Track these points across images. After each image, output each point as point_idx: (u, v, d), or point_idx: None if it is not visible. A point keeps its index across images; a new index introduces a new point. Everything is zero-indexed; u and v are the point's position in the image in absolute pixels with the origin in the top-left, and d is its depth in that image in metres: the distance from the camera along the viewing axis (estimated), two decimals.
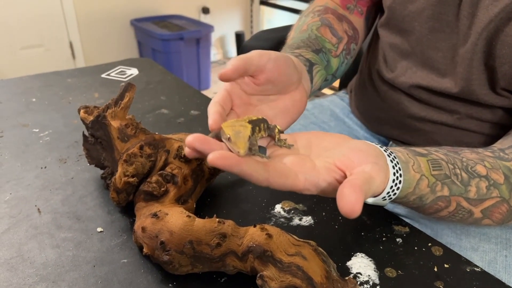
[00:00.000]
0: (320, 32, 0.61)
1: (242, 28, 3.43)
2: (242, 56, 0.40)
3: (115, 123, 0.48)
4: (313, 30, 0.62)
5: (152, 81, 0.89)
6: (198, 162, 0.48)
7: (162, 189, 0.45)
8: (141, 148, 0.47)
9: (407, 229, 0.48)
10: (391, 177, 0.37)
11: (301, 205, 0.51)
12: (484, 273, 0.42)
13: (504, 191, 0.45)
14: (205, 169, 0.49)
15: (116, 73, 0.92)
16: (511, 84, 0.53)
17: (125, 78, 0.90)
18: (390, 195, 0.38)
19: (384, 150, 0.38)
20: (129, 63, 0.98)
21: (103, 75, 0.91)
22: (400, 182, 0.38)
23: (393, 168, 0.37)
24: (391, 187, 0.37)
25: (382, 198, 0.38)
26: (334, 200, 0.52)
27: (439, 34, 0.58)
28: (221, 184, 0.55)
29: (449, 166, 0.43)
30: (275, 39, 0.91)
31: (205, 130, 0.69)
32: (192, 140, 0.31)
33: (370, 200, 0.38)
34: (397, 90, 0.67)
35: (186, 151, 0.33)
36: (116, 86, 0.85)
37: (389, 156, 0.38)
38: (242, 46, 0.95)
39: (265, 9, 3.28)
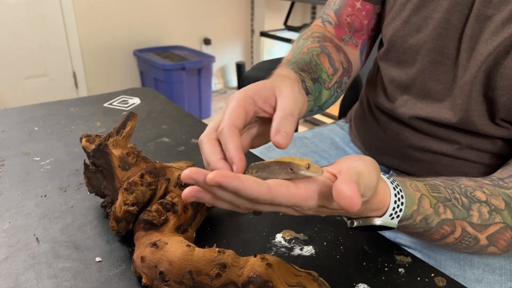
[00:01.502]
0: (320, 59, 0.61)
1: (243, 59, 3.49)
2: (285, 115, 0.39)
3: (116, 152, 0.49)
4: (314, 56, 0.61)
5: (154, 110, 0.90)
6: None
7: (162, 218, 0.45)
8: (141, 176, 0.47)
9: (409, 259, 0.47)
10: (392, 191, 0.37)
11: (302, 234, 0.51)
12: None
13: (506, 217, 0.44)
14: None
15: (118, 102, 0.93)
16: (510, 115, 0.53)
17: (127, 107, 0.91)
18: (396, 212, 0.38)
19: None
20: (131, 92, 1.00)
21: (106, 104, 0.92)
22: (402, 197, 0.38)
23: (392, 183, 0.38)
24: (395, 201, 0.37)
25: (390, 216, 0.38)
26: (335, 229, 0.52)
27: (440, 66, 0.59)
28: (221, 213, 0.54)
29: (447, 191, 0.43)
30: (274, 69, 0.93)
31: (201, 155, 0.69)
32: (188, 174, 0.30)
33: (379, 222, 0.38)
34: (397, 121, 0.68)
35: (185, 194, 0.32)
36: (118, 115, 0.86)
37: (384, 175, 0.38)
38: (243, 76, 0.97)
39: (265, 40, 3.35)
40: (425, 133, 0.64)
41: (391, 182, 0.38)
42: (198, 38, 3.19)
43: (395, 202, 0.38)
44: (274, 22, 3.32)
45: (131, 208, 0.45)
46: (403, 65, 0.64)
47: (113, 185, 0.49)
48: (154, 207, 0.45)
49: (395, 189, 0.38)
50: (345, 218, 0.42)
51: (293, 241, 0.50)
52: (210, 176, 0.29)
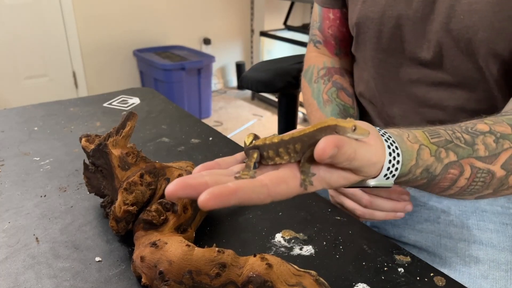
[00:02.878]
0: (340, 98, 0.69)
1: (243, 58, 3.49)
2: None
3: (116, 152, 0.49)
4: (336, 99, 0.69)
5: (154, 110, 0.90)
6: None
7: (162, 217, 0.45)
8: (141, 176, 0.47)
9: (408, 259, 0.47)
10: (386, 150, 0.36)
11: (301, 234, 0.51)
12: None
13: None
14: None
15: (118, 102, 0.93)
16: (492, 51, 0.54)
17: (127, 107, 0.91)
18: (391, 172, 0.36)
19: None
20: (131, 92, 1.00)
21: (105, 104, 0.92)
22: (398, 155, 0.37)
23: (386, 141, 0.36)
24: (390, 161, 0.36)
25: (384, 176, 0.36)
26: (335, 228, 0.52)
27: (407, 28, 0.61)
28: (220, 213, 0.55)
29: (447, 132, 0.41)
30: (274, 70, 0.93)
31: (205, 158, 0.69)
32: (173, 190, 0.29)
33: (373, 182, 0.36)
34: (383, 113, 0.70)
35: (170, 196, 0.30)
36: (118, 115, 0.86)
37: (379, 131, 0.37)
38: (241, 76, 0.97)
39: (265, 40, 3.35)
40: (420, 101, 0.63)
41: (386, 139, 0.36)
42: (198, 38, 3.19)
43: (390, 161, 0.36)
44: (274, 22, 3.33)
45: (131, 208, 0.45)
46: (373, 41, 0.65)
47: (112, 185, 0.49)
48: (153, 207, 0.45)
49: (390, 147, 0.36)
50: None
51: (293, 240, 0.50)
52: (202, 197, 0.28)
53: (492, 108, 0.56)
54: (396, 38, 0.62)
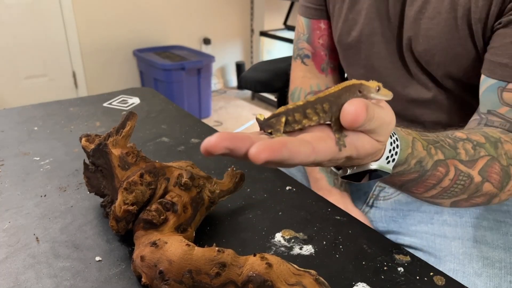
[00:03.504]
0: None
1: (243, 58, 3.49)
2: None
3: (116, 151, 0.49)
4: None
5: (153, 110, 0.90)
6: (198, 190, 0.48)
7: (162, 217, 0.45)
8: (141, 176, 0.47)
9: (408, 258, 0.47)
10: None
11: (301, 233, 0.51)
12: None
13: (489, 149, 0.46)
14: (205, 197, 0.49)
15: (118, 102, 0.93)
16: (448, 73, 0.58)
17: (127, 107, 0.91)
18: (392, 155, 0.37)
19: None
20: (131, 92, 1.00)
21: (105, 104, 0.92)
22: (397, 139, 0.38)
23: None
24: (391, 143, 0.37)
25: (386, 159, 0.37)
26: (335, 228, 0.52)
27: (382, 46, 0.64)
28: (220, 213, 0.55)
29: (432, 135, 0.44)
30: (273, 71, 0.93)
31: (205, 158, 0.69)
32: (216, 141, 0.26)
33: (374, 165, 0.36)
34: None
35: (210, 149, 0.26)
36: (118, 115, 0.86)
37: None
38: (241, 76, 0.97)
39: (265, 40, 3.35)
40: (400, 116, 0.66)
41: None
42: (197, 38, 3.19)
43: (391, 144, 0.37)
44: (273, 22, 3.33)
45: (131, 207, 0.45)
46: (354, 58, 0.69)
47: (112, 184, 0.49)
48: (153, 206, 0.46)
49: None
50: (334, 169, 0.40)
51: (293, 240, 0.50)
52: (254, 150, 0.25)
53: (465, 122, 0.59)
54: (373, 55, 0.66)
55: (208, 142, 0.26)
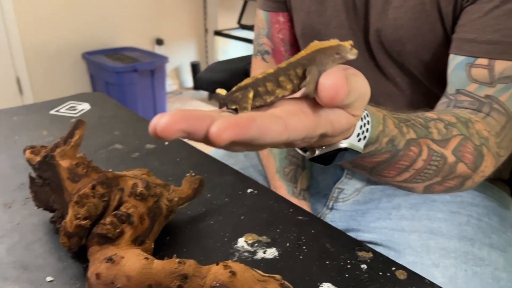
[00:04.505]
0: None
1: (198, 58, 3.45)
2: None
3: (64, 163, 0.46)
4: None
5: (105, 116, 0.86)
6: (155, 199, 0.46)
7: (117, 230, 0.43)
8: (93, 188, 0.44)
9: (371, 255, 0.48)
10: None
11: (264, 237, 0.50)
12: None
13: (461, 129, 0.45)
14: (163, 206, 0.47)
15: (66, 109, 0.89)
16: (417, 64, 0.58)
17: (76, 114, 0.87)
18: (363, 132, 0.35)
19: None
20: (80, 98, 0.95)
21: (52, 112, 0.87)
22: (368, 115, 0.35)
23: None
24: (361, 119, 0.34)
25: (357, 136, 0.34)
26: (297, 228, 0.51)
27: (349, 38, 0.63)
28: (180, 221, 0.53)
29: (402, 114, 0.42)
30: (230, 70, 0.92)
31: (161, 164, 0.67)
32: (170, 122, 0.22)
33: (345, 144, 0.34)
34: None
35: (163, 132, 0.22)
36: (66, 123, 0.82)
37: None
38: (197, 77, 0.95)
39: (220, 39, 3.33)
40: None
41: None
42: (150, 38, 3.11)
43: (362, 119, 0.34)
44: (228, 21, 3.31)
45: (83, 222, 0.43)
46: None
47: (62, 198, 0.46)
48: (108, 219, 0.43)
49: None
50: (300, 151, 0.37)
51: (256, 244, 0.49)
52: (216, 128, 0.21)
53: None
54: None
55: (159, 123, 0.22)
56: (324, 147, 0.34)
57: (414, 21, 0.55)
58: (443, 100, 0.54)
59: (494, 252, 0.57)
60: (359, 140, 0.35)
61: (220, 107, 0.31)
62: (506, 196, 0.69)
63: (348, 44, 0.29)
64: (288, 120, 0.25)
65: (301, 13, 0.67)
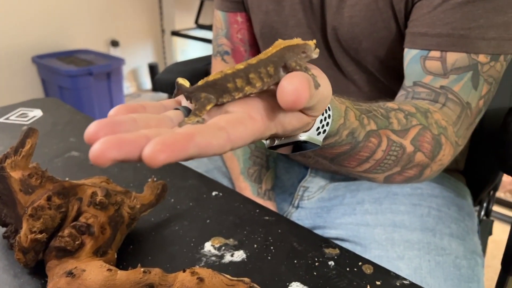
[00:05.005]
0: None
1: (156, 59, 3.38)
2: None
3: (16, 174, 0.43)
4: None
5: (59, 122, 0.82)
6: (116, 207, 0.44)
7: (77, 242, 0.41)
8: (48, 199, 0.42)
9: (337, 251, 0.48)
10: None
11: (231, 239, 0.50)
12: (413, 285, 0.44)
13: (420, 119, 0.46)
14: (125, 214, 0.45)
15: (16, 116, 0.84)
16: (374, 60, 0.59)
17: (27, 121, 0.82)
18: (323, 126, 0.35)
19: None
20: (31, 104, 0.90)
21: (1, 120, 0.82)
22: (329, 109, 0.36)
23: None
24: (322, 113, 0.34)
25: (316, 130, 0.35)
26: (265, 230, 0.51)
27: (307, 36, 0.64)
28: (143, 228, 0.51)
29: (365, 104, 0.43)
30: (189, 71, 0.91)
31: (121, 170, 0.64)
32: (102, 150, 0.21)
33: (304, 137, 0.34)
34: None
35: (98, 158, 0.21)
36: (17, 131, 0.77)
37: None
38: (155, 79, 0.93)
39: (178, 39, 3.28)
40: None
41: None
42: (104, 40, 3.02)
43: (323, 113, 0.34)
44: (185, 21, 3.26)
45: (39, 236, 0.40)
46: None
47: (15, 212, 0.43)
48: (66, 231, 0.41)
49: None
50: (263, 140, 0.37)
51: (223, 248, 0.48)
52: (149, 150, 0.21)
53: None
54: None
55: (92, 154, 0.21)
56: (283, 138, 0.35)
57: (368, 19, 0.56)
58: (401, 92, 0.55)
59: (454, 241, 0.59)
60: (319, 133, 0.35)
61: (187, 99, 0.30)
62: (462, 186, 0.71)
63: (312, 43, 0.29)
64: (232, 130, 0.25)
65: (259, 12, 0.66)
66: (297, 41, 0.29)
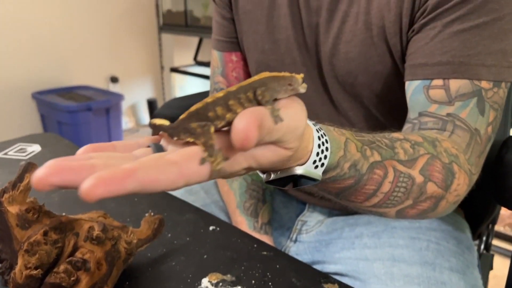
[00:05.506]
0: None
1: (154, 95, 3.43)
2: None
3: (13, 209, 0.43)
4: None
5: (57, 157, 0.82)
6: (112, 242, 0.44)
7: (72, 278, 0.40)
8: (45, 234, 0.42)
9: (336, 286, 0.48)
10: (315, 133, 0.33)
11: (229, 275, 0.49)
12: None
13: (428, 148, 0.44)
14: (121, 250, 0.45)
15: (15, 152, 0.84)
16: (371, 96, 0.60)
17: (26, 156, 0.83)
18: (321, 159, 0.34)
19: None
20: (30, 139, 0.91)
21: (0, 155, 0.83)
22: (326, 141, 0.34)
23: (314, 125, 0.34)
24: (319, 145, 0.33)
25: (313, 163, 0.33)
26: (263, 265, 0.50)
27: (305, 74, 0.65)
28: (140, 263, 0.50)
29: (368, 135, 0.42)
30: (187, 107, 0.92)
31: (118, 205, 0.64)
32: (44, 174, 0.22)
33: (300, 170, 0.33)
34: None
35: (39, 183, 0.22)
36: (15, 166, 0.78)
37: (310, 121, 0.34)
38: (154, 114, 0.94)
39: (176, 76, 3.34)
40: None
41: (313, 124, 0.34)
42: (104, 76, 3.07)
43: (319, 146, 0.33)
44: (184, 58, 3.33)
45: (34, 272, 0.40)
46: None
47: (11, 247, 0.43)
48: (62, 267, 0.40)
49: (318, 132, 0.34)
50: (260, 174, 0.36)
51: (220, 284, 0.48)
52: (86, 185, 0.21)
53: None
54: None
55: (35, 176, 0.21)
56: (279, 172, 0.34)
57: (363, 54, 0.57)
58: (406, 126, 0.54)
59: (454, 276, 0.58)
60: (316, 166, 0.34)
61: (172, 136, 0.30)
62: (460, 219, 0.71)
63: (299, 77, 0.29)
64: (185, 165, 0.24)
65: (255, 52, 0.68)
66: (284, 73, 0.29)
